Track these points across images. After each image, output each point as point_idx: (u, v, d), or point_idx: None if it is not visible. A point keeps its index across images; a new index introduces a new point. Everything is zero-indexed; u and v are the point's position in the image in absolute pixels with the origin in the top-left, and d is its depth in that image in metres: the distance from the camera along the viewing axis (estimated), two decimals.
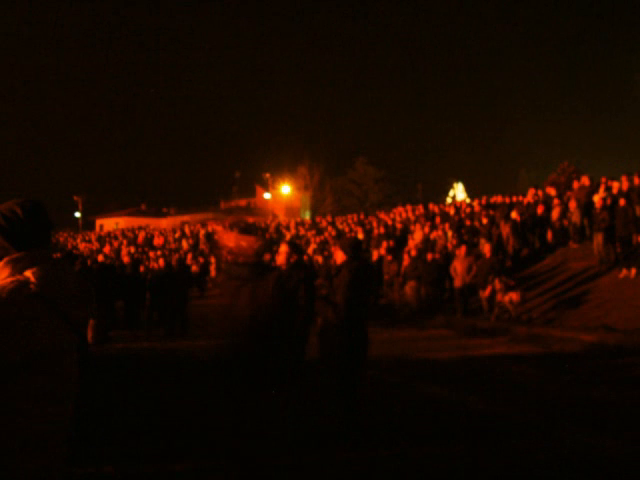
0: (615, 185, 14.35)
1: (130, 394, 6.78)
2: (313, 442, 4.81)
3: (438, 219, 19.66)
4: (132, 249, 28.20)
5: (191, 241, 30.73)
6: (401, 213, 26.18)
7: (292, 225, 33.75)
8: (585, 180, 15.96)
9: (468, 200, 30.47)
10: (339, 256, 5.34)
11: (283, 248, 5.39)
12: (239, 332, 4.36)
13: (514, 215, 15.93)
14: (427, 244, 16.74)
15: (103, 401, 6.04)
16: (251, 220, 38.02)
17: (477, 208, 20.14)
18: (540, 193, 17.85)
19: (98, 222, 68.45)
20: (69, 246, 36.35)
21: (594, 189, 15.12)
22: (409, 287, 14.90)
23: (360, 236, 20.31)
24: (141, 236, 35.45)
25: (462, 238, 16.07)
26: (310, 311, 5.29)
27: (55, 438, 1.74)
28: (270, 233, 30.42)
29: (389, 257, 16.47)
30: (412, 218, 23.26)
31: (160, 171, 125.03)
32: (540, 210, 15.84)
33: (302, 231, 30.29)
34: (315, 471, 4.38)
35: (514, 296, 12.06)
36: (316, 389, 5.32)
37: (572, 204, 14.94)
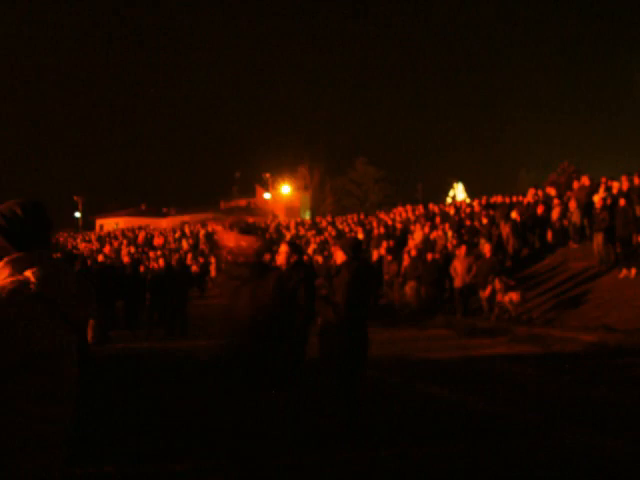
0: (615, 185, 14.35)
1: (130, 394, 6.78)
2: (313, 442, 4.81)
3: (438, 219, 19.65)
4: (132, 249, 28.21)
5: (191, 241, 30.73)
6: (401, 213, 26.17)
7: (292, 225, 33.76)
8: (585, 180, 15.95)
9: (468, 200, 30.45)
10: (339, 256, 5.34)
11: (283, 248, 5.39)
12: (239, 332, 4.36)
13: (514, 215, 15.92)
14: (427, 244, 16.73)
15: (103, 401, 6.05)
16: (251, 220, 38.03)
17: (477, 208, 20.13)
18: (540, 193, 17.85)
19: (98, 222, 68.46)
20: (69, 246, 36.35)
21: (594, 189, 15.12)
22: (409, 287, 14.90)
23: (360, 236, 20.30)
24: (141, 236, 35.44)
25: (462, 238, 16.06)
26: (310, 311, 5.29)
27: (55, 438, 1.74)
28: (270, 233, 30.42)
29: (389, 257, 16.46)
30: (412, 218, 23.25)
31: (160, 171, 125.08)
32: (540, 210, 15.84)
33: (302, 231, 30.29)
34: (315, 471, 4.38)
35: (514, 296, 12.06)
36: (316, 389, 5.32)
37: (572, 204, 14.95)
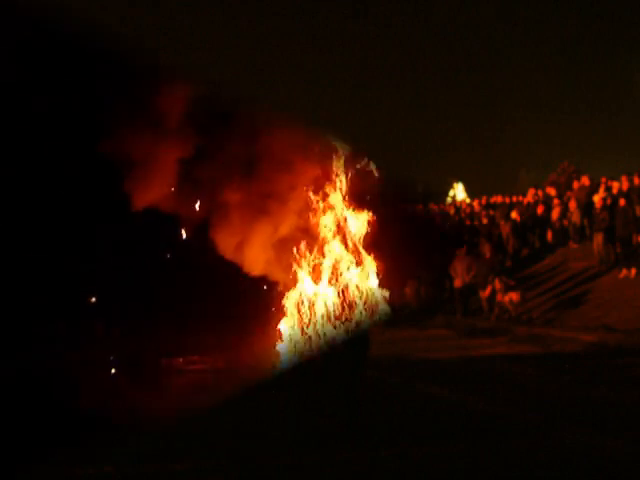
0: (615, 185, 14.32)
1: None
2: (313, 442, 4.81)
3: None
4: None
5: None
6: None
7: None
8: (585, 180, 15.93)
9: (468, 200, 30.38)
10: None
11: None
12: None
13: (514, 215, 15.93)
14: None
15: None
16: None
17: (477, 208, 20.11)
18: (540, 193, 17.82)
19: None
20: None
21: (594, 189, 15.10)
22: (409, 287, 14.90)
23: None
24: None
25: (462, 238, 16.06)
26: None
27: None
28: None
29: None
30: None
31: None
32: (540, 210, 15.83)
33: None
34: (315, 471, 4.38)
35: (514, 296, 12.06)
36: (316, 389, 5.32)
37: (572, 204, 14.94)
